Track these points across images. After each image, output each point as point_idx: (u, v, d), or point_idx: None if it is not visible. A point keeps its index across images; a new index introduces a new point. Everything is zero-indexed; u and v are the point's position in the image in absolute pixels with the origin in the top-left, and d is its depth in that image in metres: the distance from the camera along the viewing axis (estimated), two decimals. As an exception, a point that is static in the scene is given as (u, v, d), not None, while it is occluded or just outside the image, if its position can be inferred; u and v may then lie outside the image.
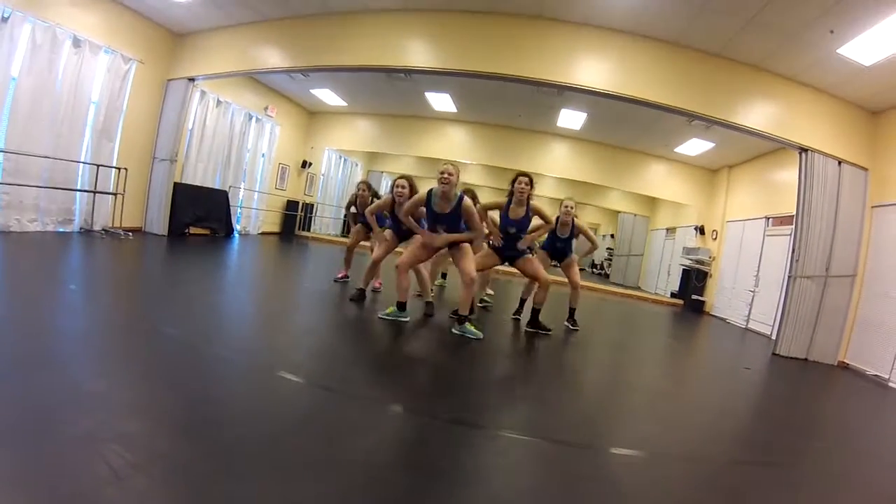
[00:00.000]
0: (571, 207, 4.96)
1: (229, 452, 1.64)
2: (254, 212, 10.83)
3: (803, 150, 5.77)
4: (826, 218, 5.72)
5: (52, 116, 5.91)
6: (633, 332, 6.67)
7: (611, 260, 17.01)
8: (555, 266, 5.25)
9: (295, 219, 12.12)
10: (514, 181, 4.24)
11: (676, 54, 5.68)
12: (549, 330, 4.56)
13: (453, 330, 3.92)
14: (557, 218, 4.97)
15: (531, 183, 4.21)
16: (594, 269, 17.68)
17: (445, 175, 3.76)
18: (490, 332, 3.97)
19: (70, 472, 1.39)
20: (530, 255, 4.49)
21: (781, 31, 4.89)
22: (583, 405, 2.98)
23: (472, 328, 3.90)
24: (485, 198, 5.06)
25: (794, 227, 6.02)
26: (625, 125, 9.21)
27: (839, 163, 5.77)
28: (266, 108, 10.40)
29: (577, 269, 5.20)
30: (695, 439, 2.62)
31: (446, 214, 3.91)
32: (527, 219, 4.31)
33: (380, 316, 4.04)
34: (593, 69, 5.81)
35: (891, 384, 5.10)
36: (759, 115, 5.80)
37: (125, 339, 2.71)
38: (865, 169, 5.86)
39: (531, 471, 1.92)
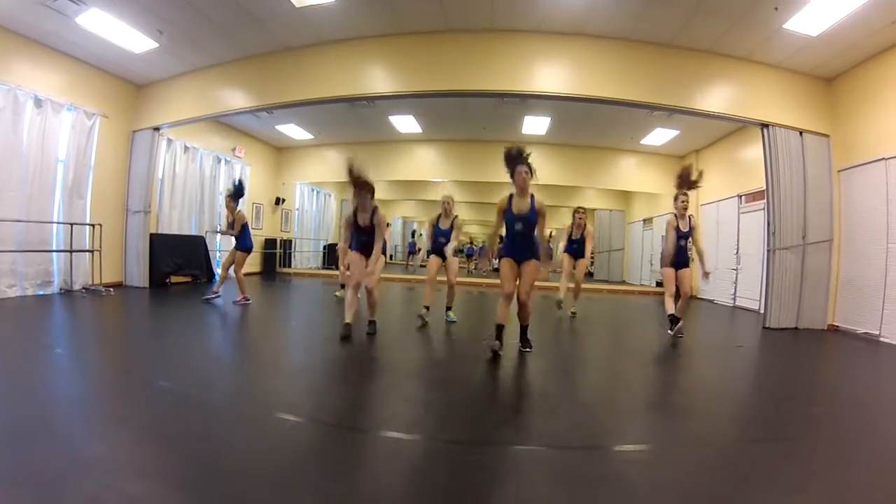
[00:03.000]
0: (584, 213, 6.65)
1: (240, 502, 1.60)
2: (233, 254, 10.63)
3: (764, 125, 5.95)
4: (795, 188, 5.88)
5: (21, 179, 5.83)
6: (624, 325, 6.70)
7: (593, 258, 17.12)
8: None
9: (275, 256, 12.01)
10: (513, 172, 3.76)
11: (629, 50, 5.84)
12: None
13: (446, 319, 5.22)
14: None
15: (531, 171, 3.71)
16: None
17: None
18: (483, 344, 3.92)
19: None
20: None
21: (728, 14, 5.07)
22: (584, 405, 2.92)
23: (452, 314, 5.29)
24: (463, 213, 5.19)
25: (766, 201, 6.17)
26: (589, 124, 9.38)
27: (801, 133, 5.96)
28: (234, 150, 10.36)
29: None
30: (698, 424, 2.61)
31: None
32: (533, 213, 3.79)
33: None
34: (551, 74, 5.94)
35: (882, 339, 5.23)
36: (717, 97, 5.97)
37: (119, 397, 2.63)
38: (827, 136, 6.06)
39: (542, 483, 1.86)
